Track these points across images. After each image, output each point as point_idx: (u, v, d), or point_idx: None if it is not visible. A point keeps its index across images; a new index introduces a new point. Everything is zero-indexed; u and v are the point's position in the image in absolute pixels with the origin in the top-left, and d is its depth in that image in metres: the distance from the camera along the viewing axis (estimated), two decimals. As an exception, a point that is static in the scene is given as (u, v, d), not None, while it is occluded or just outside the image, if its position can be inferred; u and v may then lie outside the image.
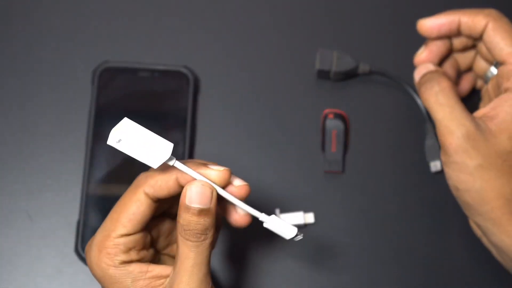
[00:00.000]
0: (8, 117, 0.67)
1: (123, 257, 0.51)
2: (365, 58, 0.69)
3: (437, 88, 0.57)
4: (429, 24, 0.60)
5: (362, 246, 0.65)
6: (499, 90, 0.57)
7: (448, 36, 0.61)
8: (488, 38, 0.57)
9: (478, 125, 0.55)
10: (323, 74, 0.68)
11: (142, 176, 0.52)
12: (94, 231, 0.63)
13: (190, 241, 0.50)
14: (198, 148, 0.67)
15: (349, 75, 0.68)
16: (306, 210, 0.65)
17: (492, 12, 0.58)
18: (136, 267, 0.51)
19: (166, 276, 0.51)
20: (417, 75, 0.61)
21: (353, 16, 0.71)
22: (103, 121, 0.66)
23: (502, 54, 0.56)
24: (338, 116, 0.66)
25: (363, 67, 0.68)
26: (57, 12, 0.70)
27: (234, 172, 0.66)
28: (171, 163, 0.50)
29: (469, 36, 0.60)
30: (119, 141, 0.50)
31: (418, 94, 0.63)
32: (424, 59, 0.61)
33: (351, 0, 0.71)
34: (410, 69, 0.69)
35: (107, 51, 0.69)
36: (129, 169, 0.65)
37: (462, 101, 0.57)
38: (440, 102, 0.56)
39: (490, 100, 0.60)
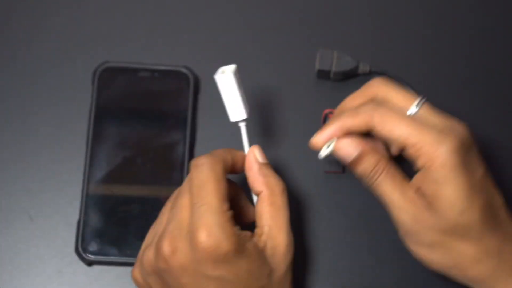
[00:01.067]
0: (8, 117, 0.67)
1: (237, 228, 0.53)
2: (365, 58, 0.69)
3: (374, 179, 0.55)
4: (320, 143, 0.56)
5: (362, 246, 0.65)
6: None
7: None
8: (379, 132, 0.54)
9: (417, 204, 0.53)
10: (323, 74, 0.68)
11: (220, 152, 0.55)
12: (94, 231, 0.63)
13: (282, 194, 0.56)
14: (198, 148, 0.67)
15: (349, 75, 0.68)
16: (306, 210, 0.65)
17: (370, 106, 0.55)
18: (245, 232, 0.53)
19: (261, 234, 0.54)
20: (351, 156, 0.56)
21: (353, 16, 0.71)
22: (103, 121, 0.66)
23: (401, 141, 0.53)
24: (338, 116, 0.66)
25: (363, 67, 0.68)
26: (57, 12, 0.70)
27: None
28: (242, 124, 0.58)
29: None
30: (221, 76, 0.58)
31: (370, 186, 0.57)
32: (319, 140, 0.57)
33: (351, 0, 0.71)
34: (410, 69, 0.69)
35: (107, 51, 0.69)
36: (129, 169, 0.65)
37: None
38: (381, 192, 0.55)
39: None
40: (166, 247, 0.51)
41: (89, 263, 0.63)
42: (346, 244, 0.65)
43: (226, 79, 0.58)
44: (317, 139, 0.56)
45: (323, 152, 0.56)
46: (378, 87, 0.57)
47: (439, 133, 0.52)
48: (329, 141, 0.56)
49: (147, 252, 0.53)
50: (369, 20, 0.71)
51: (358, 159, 0.55)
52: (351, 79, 0.69)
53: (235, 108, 0.58)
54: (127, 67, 0.67)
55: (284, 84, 0.69)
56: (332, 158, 0.66)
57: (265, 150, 0.67)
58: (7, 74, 0.68)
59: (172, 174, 0.65)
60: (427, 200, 0.53)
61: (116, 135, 0.65)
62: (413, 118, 0.54)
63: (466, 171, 0.52)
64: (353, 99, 0.58)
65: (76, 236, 0.63)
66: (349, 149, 0.55)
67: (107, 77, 0.67)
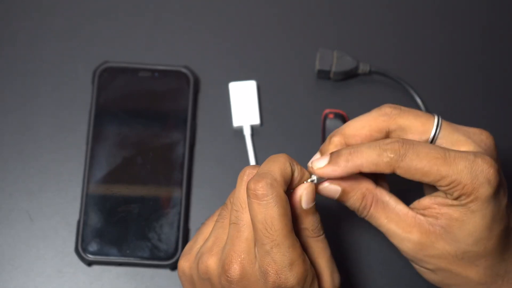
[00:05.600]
0: (8, 117, 0.67)
1: (304, 257, 0.52)
2: (365, 58, 0.69)
3: (366, 213, 0.53)
4: (326, 174, 0.52)
5: (363, 246, 0.65)
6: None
7: None
8: (410, 177, 0.51)
9: (421, 228, 0.52)
10: (323, 74, 0.68)
11: (280, 170, 0.50)
12: (94, 231, 0.63)
13: (322, 235, 0.52)
14: (198, 148, 0.67)
15: (349, 75, 0.68)
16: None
17: (393, 156, 0.50)
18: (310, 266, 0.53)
19: None
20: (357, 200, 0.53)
21: (353, 16, 0.71)
22: (103, 121, 0.66)
23: (434, 183, 0.50)
24: (338, 116, 0.66)
25: (363, 67, 0.68)
26: (57, 12, 0.70)
27: (234, 172, 0.66)
28: (246, 132, 0.65)
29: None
30: (235, 90, 0.67)
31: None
32: (329, 173, 0.52)
33: (351, 0, 0.71)
34: (410, 69, 0.69)
35: (107, 51, 0.69)
36: (129, 169, 0.65)
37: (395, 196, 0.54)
38: (376, 224, 0.53)
39: None
40: (235, 271, 0.50)
41: (89, 263, 0.63)
42: (346, 244, 0.65)
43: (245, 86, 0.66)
44: (327, 172, 0.52)
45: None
46: (391, 115, 0.53)
47: (472, 167, 0.49)
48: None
49: (208, 260, 0.51)
50: (369, 20, 0.71)
51: (342, 197, 0.53)
52: (351, 79, 0.69)
53: (243, 113, 0.65)
54: (127, 67, 0.67)
55: (284, 84, 0.69)
56: None
57: (265, 150, 0.67)
58: (7, 74, 0.68)
59: (172, 174, 0.65)
60: (439, 224, 0.51)
61: (116, 135, 0.65)
62: (444, 152, 0.50)
63: (495, 202, 0.50)
64: (361, 125, 0.53)
65: (76, 236, 0.63)
66: (329, 191, 0.53)
67: (107, 77, 0.67)
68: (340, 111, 0.66)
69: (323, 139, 0.66)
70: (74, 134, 0.67)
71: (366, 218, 0.53)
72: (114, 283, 0.63)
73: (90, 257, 0.63)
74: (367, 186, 0.53)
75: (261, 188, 0.48)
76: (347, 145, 0.53)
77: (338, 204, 0.54)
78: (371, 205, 0.53)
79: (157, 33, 0.70)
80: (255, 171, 0.51)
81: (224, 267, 0.50)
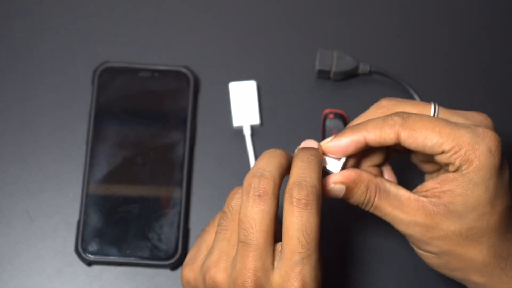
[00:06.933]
0: (8, 117, 0.67)
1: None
2: (365, 58, 0.69)
3: (370, 205, 0.53)
4: (332, 148, 0.53)
5: (363, 245, 0.65)
6: (442, 169, 0.55)
7: (355, 153, 0.54)
8: (408, 145, 0.51)
9: (425, 211, 0.52)
10: (323, 74, 0.68)
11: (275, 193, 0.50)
12: (94, 231, 0.63)
13: None
14: (198, 148, 0.67)
15: (349, 75, 0.68)
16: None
17: (397, 119, 0.51)
18: None
19: None
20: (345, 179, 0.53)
21: (353, 16, 0.71)
22: (103, 121, 0.66)
23: (435, 150, 0.51)
24: (338, 116, 0.66)
25: (363, 67, 0.68)
26: (57, 12, 0.70)
27: (234, 172, 0.66)
28: (246, 132, 0.66)
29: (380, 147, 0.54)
30: (234, 90, 0.67)
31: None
32: (335, 145, 0.54)
33: (351, 0, 0.71)
34: (410, 69, 0.69)
35: (107, 51, 0.69)
36: (129, 169, 0.65)
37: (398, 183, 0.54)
38: (381, 214, 0.53)
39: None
40: None
41: (89, 263, 0.63)
42: (346, 244, 0.65)
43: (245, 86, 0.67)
44: (329, 145, 0.54)
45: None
46: (388, 107, 0.54)
47: (474, 133, 0.50)
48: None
49: (216, 275, 0.50)
50: (369, 20, 0.71)
51: (347, 194, 0.53)
52: (351, 79, 0.69)
53: (243, 113, 0.66)
54: (127, 67, 0.67)
55: (284, 84, 0.69)
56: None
57: (264, 150, 0.67)
58: (8, 74, 0.68)
59: (172, 174, 0.65)
60: (442, 203, 0.51)
61: (116, 135, 0.65)
62: (444, 121, 0.51)
63: (499, 173, 0.51)
64: (364, 119, 0.54)
65: (76, 236, 0.63)
66: (335, 190, 0.53)
67: (107, 77, 0.67)
68: (340, 111, 0.66)
69: (323, 139, 0.66)
70: (74, 134, 0.67)
71: (371, 211, 0.53)
72: (114, 283, 0.63)
73: (90, 257, 0.63)
74: (368, 177, 0.53)
75: (305, 196, 0.48)
76: None
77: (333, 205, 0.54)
78: (375, 196, 0.53)
79: (157, 33, 0.70)
80: (261, 186, 0.49)
81: (236, 285, 0.49)
